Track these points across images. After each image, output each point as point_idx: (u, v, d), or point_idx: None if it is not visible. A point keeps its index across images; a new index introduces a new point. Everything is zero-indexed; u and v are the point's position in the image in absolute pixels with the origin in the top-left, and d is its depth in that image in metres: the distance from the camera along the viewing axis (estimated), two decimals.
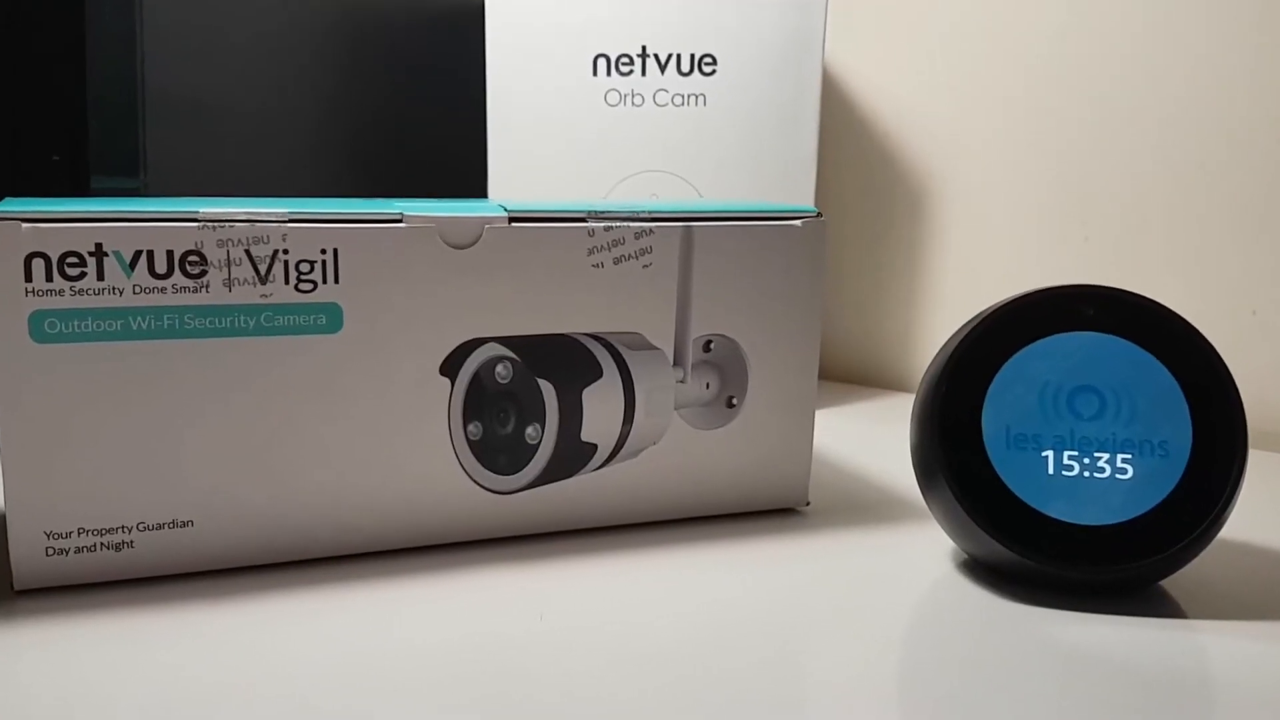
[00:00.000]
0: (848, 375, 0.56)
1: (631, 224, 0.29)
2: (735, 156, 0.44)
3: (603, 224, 0.29)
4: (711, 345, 0.30)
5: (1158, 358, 0.25)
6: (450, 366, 0.27)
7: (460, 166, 0.47)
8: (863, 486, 0.36)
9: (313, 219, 0.26)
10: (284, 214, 0.26)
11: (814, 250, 0.31)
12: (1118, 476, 0.25)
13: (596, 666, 0.22)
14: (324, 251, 0.26)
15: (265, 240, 0.25)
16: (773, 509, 0.32)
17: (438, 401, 0.28)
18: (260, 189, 0.43)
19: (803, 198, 0.44)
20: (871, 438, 0.43)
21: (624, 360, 0.29)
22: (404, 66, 0.50)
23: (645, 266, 0.29)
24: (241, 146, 0.45)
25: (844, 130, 0.54)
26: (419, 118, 0.52)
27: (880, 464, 0.38)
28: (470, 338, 0.28)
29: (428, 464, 0.28)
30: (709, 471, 0.31)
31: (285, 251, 0.26)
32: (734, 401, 0.31)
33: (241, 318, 0.26)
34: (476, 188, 0.45)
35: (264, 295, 0.26)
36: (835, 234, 0.56)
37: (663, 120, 0.44)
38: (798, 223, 0.31)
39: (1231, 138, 0.43)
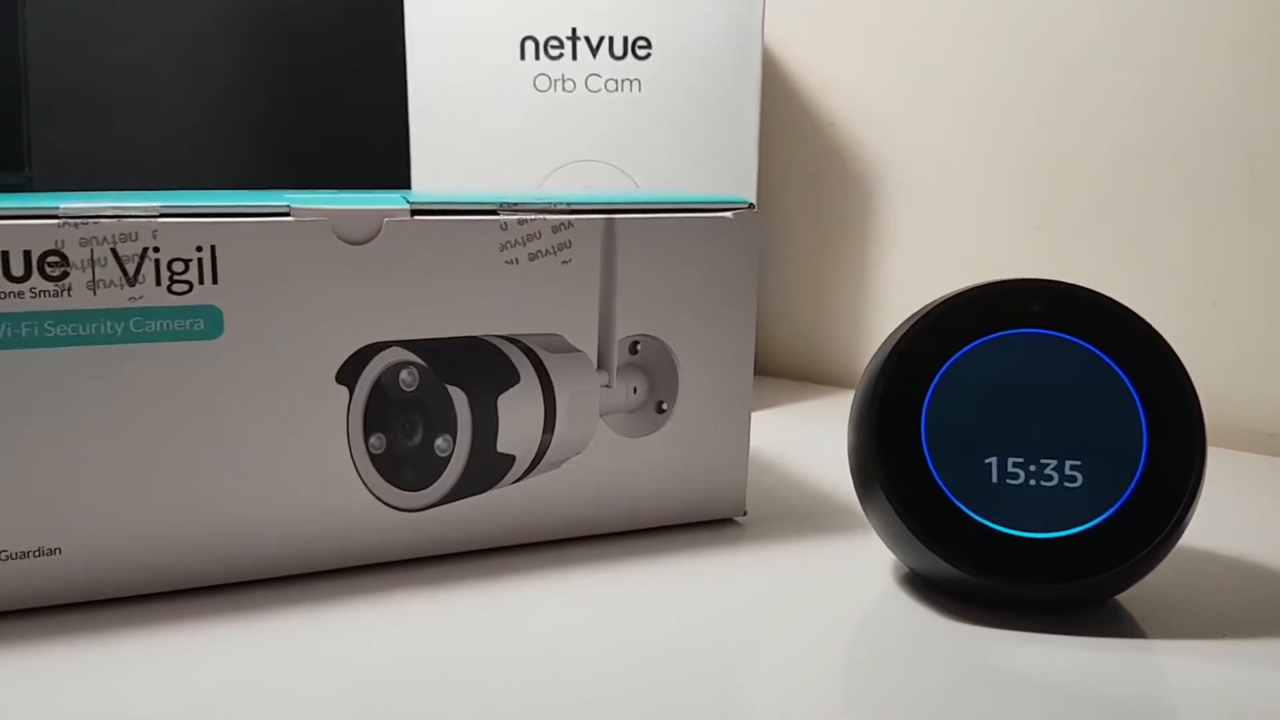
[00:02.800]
0: (794, 372, 0.55)
1: (548, 216, 0.27)
2: (673, 145, 0.42)
3: (516, 216, 0.27)
4: (638, 347, 0.29)
5: (1108, 355, 0.24)
6: (348, 374, 0.25)
7: (382, 157, 0.45)
8: (804, 494, 0.34)
9: (186, 213, 0.24)
10: (154, 208, 0.23)
11: (747, 244, 0.29)
12: (1066, 484, 0.24)
13: (512, 698, 0.20)
14: (199, 249, 0.24)
15: (133, 238, 0.23)
16: (708, 520, 0.31)
17: (335, 413, 0.25)
18: (160, 184, 0.40)
19: (745, 189, 0.42)
20: (815, 439, 0.41)
21: (543, 364, 0.27)
22: (317, 50, 0.48)
23: (565, 262, 0.27)
24: (138, 139, 0.42)
25: (787, 119, 0.53)
26: (336, 106, 0.49)
27: (823, 468, 0.36)
28: (370, 342, 0.25)
29: (325, 481, 0.26)
30: (638, 482, 0.29)
31: (156, 250, 0.23)
32: (664, 406, 0.29)
33: (108, 324, 0.23)
34: (400, 180, 0.42)
35: (133, 298, 0.23)
36: (780, 226, 0.54)
37: (596, 107, 0.42)
38: (729, 214, 0.29)
39: (1190, 122, 0.41)
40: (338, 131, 0.49)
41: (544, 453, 0.28)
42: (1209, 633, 0.24)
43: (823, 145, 0.52)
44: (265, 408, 0.25)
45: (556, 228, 0.27)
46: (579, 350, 0.28)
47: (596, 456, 0.28)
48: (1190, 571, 0.27)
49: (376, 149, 0.46)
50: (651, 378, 0.29)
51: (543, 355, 0.27)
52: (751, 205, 0.29)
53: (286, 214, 0.24)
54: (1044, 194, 0.45)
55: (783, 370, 0.55)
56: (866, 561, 0.28)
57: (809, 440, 0.41)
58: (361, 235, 0.25)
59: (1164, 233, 0.42)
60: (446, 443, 0.27)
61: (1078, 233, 0.45)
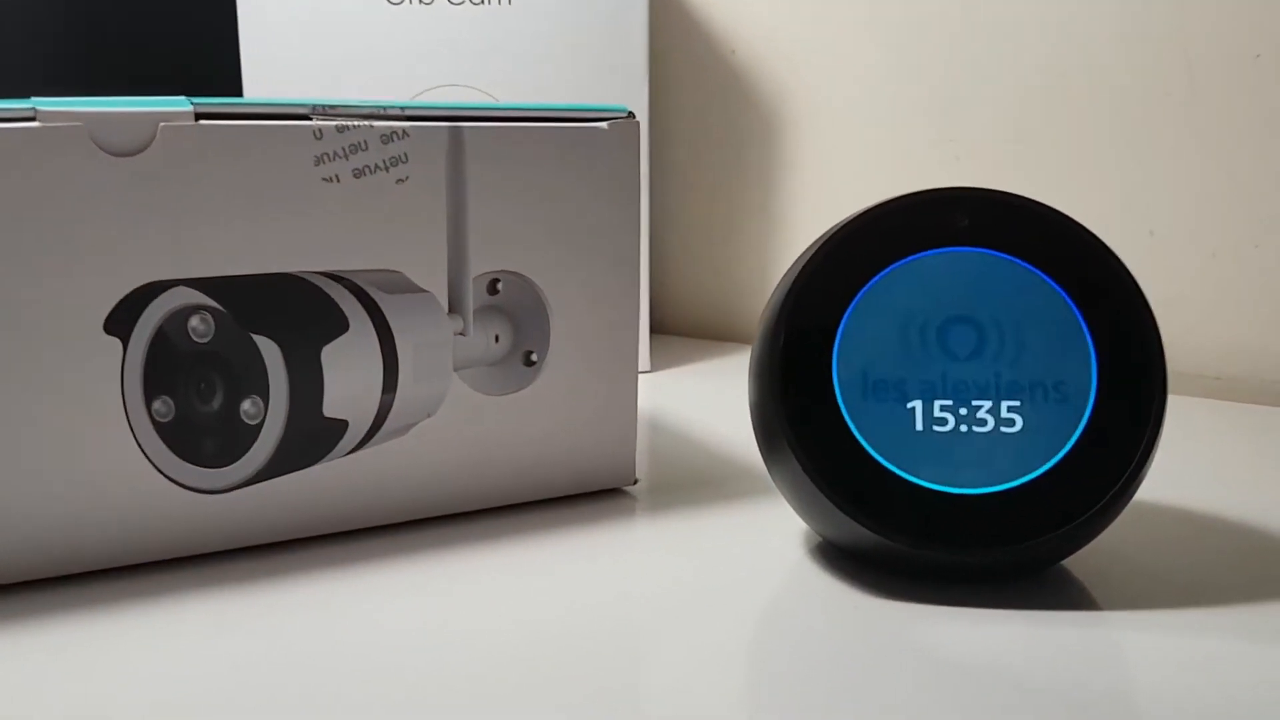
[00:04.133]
0: (696, 329, 0.52)
1: (375, 123, 0.23)
2: (549, 69, 0.38)
3: (334, 122, 0.22)
4: (499, 285, 0.25)
5: (1050, 276, 0.21)
6: (120, 322, 0.21)
7: (210, 81, 0.40)
8: (704, 458, 0.31)
9: None
10: None
11: (626, 161, 0.26)
12: (1003, 430, 0.21)
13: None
14: None
15: None
16: (592, 491, 0.27)
17: (105, 371, 0.21)
18: None
19: None
20: (719, 400, 0.38)
21: (378, 307, 0.23)
22: None
23: (400, 181, 0.23)
24: None
25: (683, 45, 0.50)
26: (153, 19, 0.44)
27: (726, 430, 0.33)
28: (147, 281, 0.21)
29: (95, 458, 0.21)
30: (506, 448, 0.25)
31: None
32: (533, 357, 0.26)
33: None
34: None
35: None
36: (676, 164, 0.51)
37: (459, 22, 0.38)
38: (604, 125, 0.25)
39: (1120, 29, 0.39)
40: (155, 51, 0.44)
41: (385, 416, 0.24)
42: (1173, 601, 0.21)
43: (723, 74, 0.49)
44: (11, 366, 0.20)
45: (387, 138, 0.23)
46: (424, 290, 0.24)
47: (452, 419, 0.25)
48: (1148, 530, 0.25)
49: (205, 71, 0.41)
50: (516, 323, 0.25)
51: (377, 296, 0.23)
52: (631, 114, 0.26)
53: (31, 119, 0.20)
54: (963, 120, 0.43)
55: (684, 327, 0.52)
56: (774, 532, 0.25)
57: (711, 401, 0.38)
58: (131, 145, 0.21)
59: (1095, 157, 0.40)
60: (256, 406, 0.22)
61: (1001, 160, 0.42)
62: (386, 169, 0.23)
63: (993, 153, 0.43)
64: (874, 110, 0.45)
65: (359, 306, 0.23)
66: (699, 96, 0.50)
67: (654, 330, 0.46)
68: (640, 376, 0.41)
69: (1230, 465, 0.31)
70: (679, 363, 0.45)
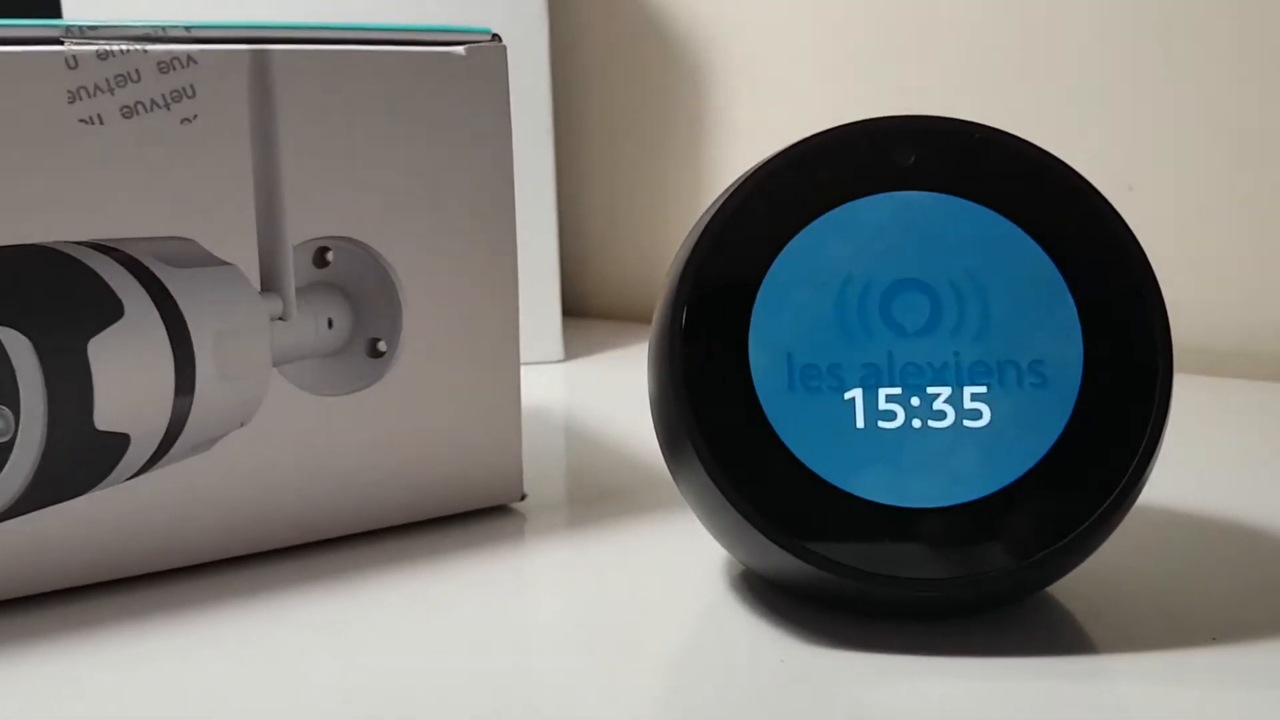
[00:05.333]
0: (621, 311, 0.50)
1: (150, 47, 0.19)
2: (426, 4, 0.35)
3: (93, 47, 0.18)
4: (329, 255, 0.22)
5: (1021, 225, 0.18)
6: None
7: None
8: (615, 465, 0.29)
9: None
10: None
11: (491, 96, 0.23)
12: (967, 424, 0.18)
13: None
14: None
15: None
16: (469, 511, 0.24)
17: None
18: None
19: (533, 71, 0.36)
20: (641, 392, 0.35)
21: (163, 286, 0.20)
22: None
23: (186, 121, 0.19)
24: None
25: None
26: None
27: (647, 429, 0.30)
28: None
29: None
30: (350, 462, 0.22)
31: None
32: (381, 346, 0.22)
33: None
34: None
35: None
36: (587, 122, 0.50)
37: None
38: (460, 50, 0.22)
39: None
40: None
41: (180, 426, 0.20)
42: (1187, 638, 0.18)
43: (639, 14, 0.47)
44: None
45: (166, 66, 0.19)
46: (225, 263, 0.20)
47: (275, 427, 0.21)
48: (1150, 543, 0.22)
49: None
50: (355, 303, 0.22)
51: (161, 272, 0.20)
52: (495, 37, 0.23)
53: None
54: (914, 61, 0.42)
55: (601, 309, 0.51)
56: (690, 558, 0.22)
57: (631, 395, 0.36)
58: None
59: (1068, 103, 0.39)
60: (3, 420, 0.19)
61: (959, 108, 0.40)
62: (167, 106, 0.19)
63: (949, 99, 0.41)
64: (816, 56, 0.44)
65: (136, 285, 0.19)
66: (612, 41, 0.48)
67: (569, 313, 0.44)
68: (551, 367, 0.39)
69: (1232, 455, 0.28)
70: (597, 350, 0.43)
